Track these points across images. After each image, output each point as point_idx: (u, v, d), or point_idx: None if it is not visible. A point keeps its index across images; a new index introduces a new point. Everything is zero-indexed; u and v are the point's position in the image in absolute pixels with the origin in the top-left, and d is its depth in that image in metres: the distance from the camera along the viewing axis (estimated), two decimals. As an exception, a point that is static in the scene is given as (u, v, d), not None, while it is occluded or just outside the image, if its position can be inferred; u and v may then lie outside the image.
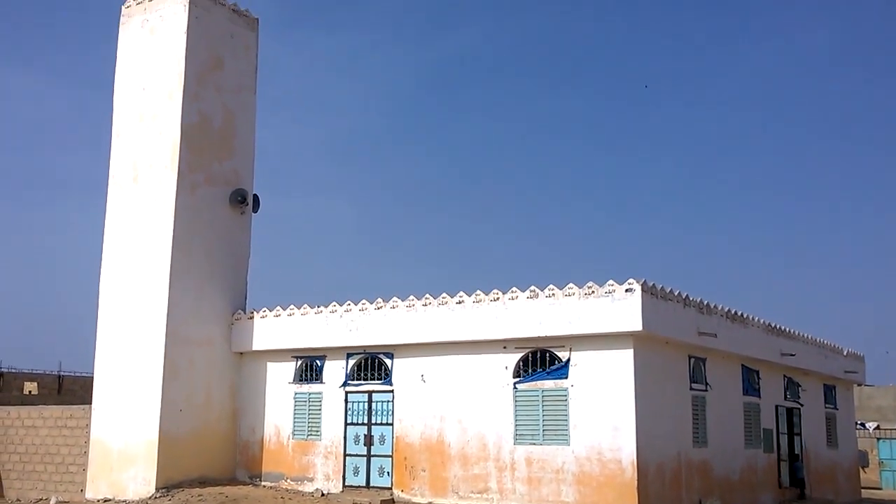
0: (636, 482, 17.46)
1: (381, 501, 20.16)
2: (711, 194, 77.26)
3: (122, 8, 24.88)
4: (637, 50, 79.04)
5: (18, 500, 23.74)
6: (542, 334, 18.70)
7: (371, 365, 21.55)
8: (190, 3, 23.46)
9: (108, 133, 24.37)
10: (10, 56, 72.43)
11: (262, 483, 22.48)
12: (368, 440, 21.18)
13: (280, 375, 23.00)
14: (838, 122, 76.41)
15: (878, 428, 40.72)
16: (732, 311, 21.51)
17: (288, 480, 22.22)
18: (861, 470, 32.82)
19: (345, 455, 21.48)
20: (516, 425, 19.05)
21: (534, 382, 18.99)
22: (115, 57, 24.72)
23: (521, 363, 19.26)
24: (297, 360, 22.78)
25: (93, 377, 23.25)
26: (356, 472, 21.23)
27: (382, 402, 21.18)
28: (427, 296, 20.41)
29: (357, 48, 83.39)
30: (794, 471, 24.99)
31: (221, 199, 23.70)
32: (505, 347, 19.43)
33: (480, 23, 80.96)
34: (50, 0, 75.25)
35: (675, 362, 19.80)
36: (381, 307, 21.11)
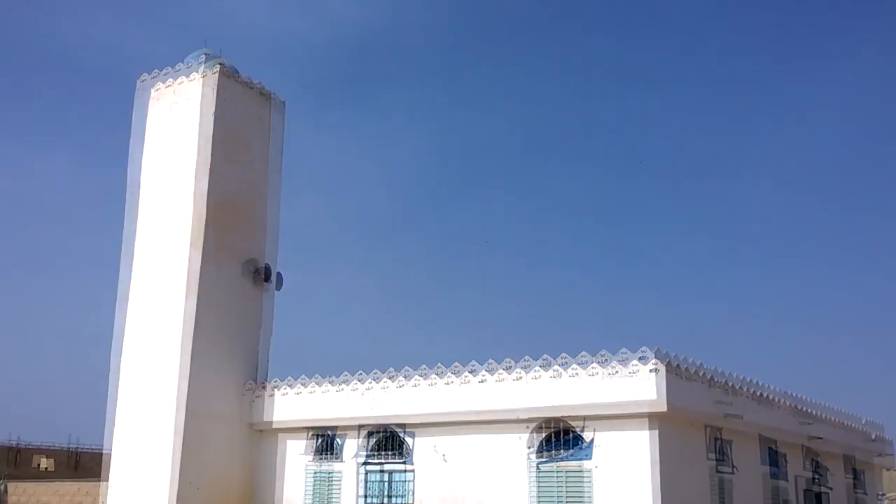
0: (661, 567, 17.02)
1: (400, 585, 19.75)
2: (729, 266, 77.17)
3: (152, 91, 25.38)
4: (654, 127, 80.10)
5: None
6: (565, 414, 18.53)
7: (390, 443, 21.30)
8: (218, 85, 23.95)
9: (123, 208, 24.63)
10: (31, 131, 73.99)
11: (279, 564, 22.07)
12: (387, 521, 20.85)
13: (297, 451, 22.71)
14: (856, 186, 76.44)
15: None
16: (759, 392, 21.27)
17: (304, 561, 21.81)
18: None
19: (363, 536, 21.12)
20: (538, 506, 18.70)
21: (557, 463, 18.71)
22: (142, 135, 25.09)
23: (543, 443, 19.00)
24: (316, 438, 22.51)
25: (107, 452, 23.07)
26: (374, 553, 20.85)
27: (403, 481, 20.85)
28: (449, 374, 20.27)
29: (381, 131, 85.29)
30: None
31: (245, 276, 23.81)
32: (527, 427, 19.20)
33: (500, 109, 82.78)
34: (73, 83, 77.25)
35: (700, 443, 19.50)
36: (402, 385, 20.96)
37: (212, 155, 23.50)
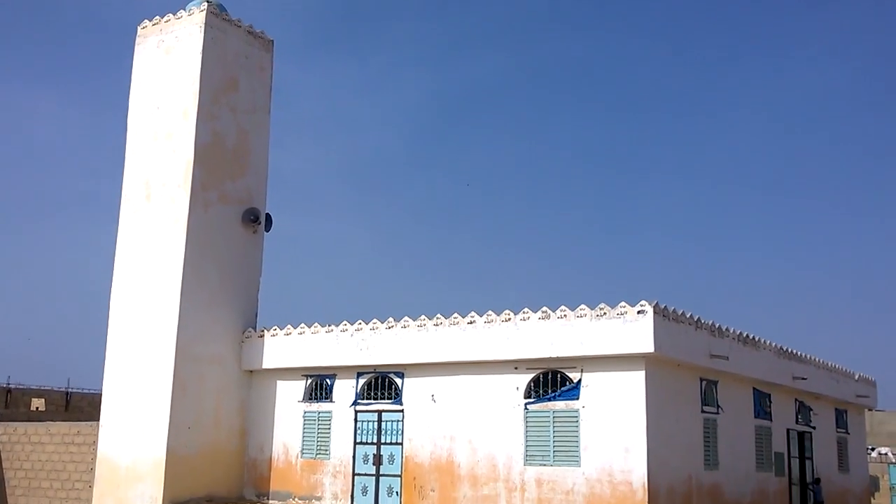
0: (647, 504, 17.41)
1: (390, 522, 20.17)
2: (721, 214, 77.32)
3: (138, 28, 25.11)
4: (652, 70, 79.47)
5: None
6: (554, 355, 18.75)
7: (381, 385, 21.58)
8: (206, 24, 23.68)
9: (123, 153, 24.54)
10: (24, 75, 73.06)
11: (270, 502, 22.45)
12: (377, 460, 21.17)
13: (290, 394, 23.02)
14: (850, 124, 76.21)
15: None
16: (744, 334, 21.53)
17: (296, 499, 22.19)
18: (871, 495, 32.61)
19: (353, 474, 21.47)
20: (527, 446, 19.06)
21: (545, 403, 19.03)
22: (130, 77, 24.94)
23: (532, 384, 19.29)
24: (307, 379, 22.81)
25: (101, 394, 23.31)
26: (365, 491, 21.21)
27: (392, 421, 21.18)
28: (438, 316, 20.48)
29: (376, 71, 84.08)
30: (814, 493, 24.86)
31: (234, 218, 23.84)
32: (516, 368, 19.47)
33: (500, 49, 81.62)
34: (66, 21, 75.94)
35: (687, 385, 19.81)
36: (392, 327, 21.15)
37: (199, 94, 23.31)
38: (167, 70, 24.13)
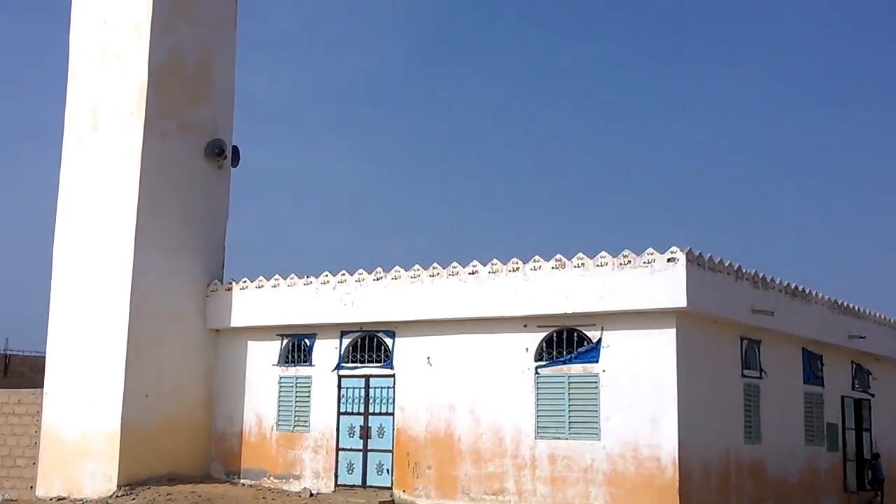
0: (678, 484, 17.55)
1: (380, 503, 20.34)
2: (760, 153, 76.75)
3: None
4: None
5: (-40, 498, 24.03)
6: (570, 310, 18.76)
7: (369, 345, 21.65)
8: (159, -81, 23.38)
9: (65, 75, 24.34)
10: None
11: (241, 481, 22.68)
12: (365, 432, 21.31)
13: (263, 356, 23.10)
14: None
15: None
16: (792, 286, 21.52)
17: (271, 478, 22.40)
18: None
19: (337, 449, 21.64)
20: (538, 417, 19.15)
21: (559, 367, 19.08)
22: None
23: (543, 344, 19.35)
24: (282, 339, 22.89)
25: (44, 357, 23.43)
26: (350, 468, 21.39)
27: (382, 388, 21.30)
28: (435, 265, 20.51)
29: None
30: (873, 469, 25.08)
31: (196, 151, 23.78)
32: (525, 326, 19.50)
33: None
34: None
35: (725, 344, 19.86)
36: (380, 278, 21.16)
37: (153, 4, 23.13)
38: (115, -24, 23.87)
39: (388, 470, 20.91)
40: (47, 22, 70.30)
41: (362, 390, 21.56)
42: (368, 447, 21.27)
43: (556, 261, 19.01)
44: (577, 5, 75.93)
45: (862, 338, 24.50)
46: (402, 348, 21.12)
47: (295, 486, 21.95)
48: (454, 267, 20.22)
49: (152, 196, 22.64)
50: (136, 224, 22.28)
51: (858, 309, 24.71)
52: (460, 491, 19.87)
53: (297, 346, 22.72)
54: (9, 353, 34.62)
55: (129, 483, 21.39)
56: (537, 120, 74.16)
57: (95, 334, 22.37)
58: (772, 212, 70.65)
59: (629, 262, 18.24)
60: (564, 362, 19.05)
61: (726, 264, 19.03)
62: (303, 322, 22.32)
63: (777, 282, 20.87)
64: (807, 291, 22.17)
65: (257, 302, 22.96)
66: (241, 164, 25.04)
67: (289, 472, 22.23)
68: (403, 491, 20.59)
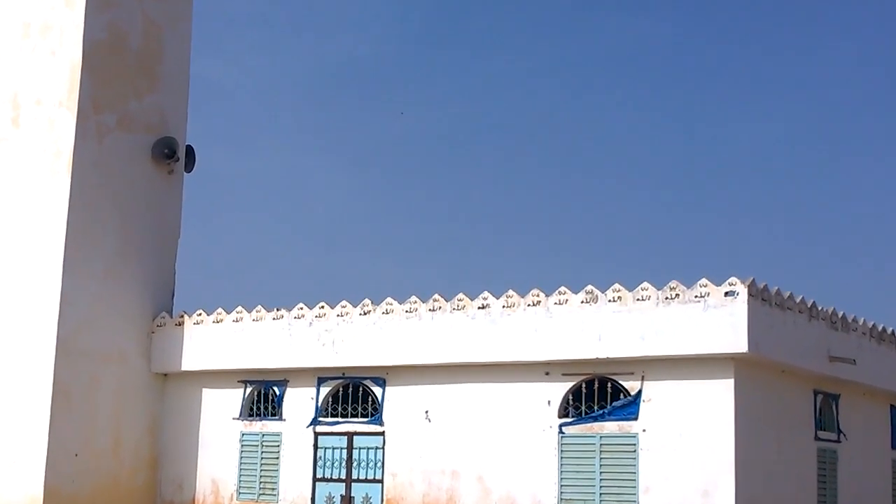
0: (736, 572, 17.53)
1: None
2: (844, 161, 76.92)
3: None
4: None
5: None
6: (603, 355, 18.67)
7: (353, 395, 21.65)
8: None
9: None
10: None
11: (193, 562, 22.67)
12: (347, 503, 21.07)
13: (221, 408, 23.13)
14: None
15: None
16: (879, 328, 21.51)
17: (230, 559, 22.48)
18: None
19: (313, 525, 21.68)
20: (562, 486, 19.05)
21: (588, 425, 19.04)
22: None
23: (570, 396, 19.35)
24: (245, 387, 22.90)
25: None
26: (329, 549, 21.48)
27: (368, 448, 21.24)
28: (436, 297, 20.44)
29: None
30: None
31: (141, 152, 23.84)
32: (548, 374, 19.46)
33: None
34: None
35: (795, 399, 19.87)
36: (368, 312, 21.09)
37: (90, -30, 23.36)
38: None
39: (375, 551, 20.96)
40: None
41: (344, 451, 21.51)
42: (351, 522, 21.30)
43: (587, 293, 18.86)
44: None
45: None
46: (394, 400, 21.06)
47: (259, 571, 22.01)
48: (460, 299, 20.09)
49: (86, 208, 22.61)
50: (66, 242, 22.22)
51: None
52: (465, 578, 19.92)
53: (264, 396, 22.72)
54: None
55: (54, 563, 21.34)
56: (562, 118, 74.34)
57: (13, 378, 22.29)
58: (855, 236, 70.58)
59: (677, 295, 18.09)
60: (595, 419, 18.99)
61: (798, 300, 18.87)
62: (271, 366, 22.28)
63: (860, 323, 20.77)
64: (897, 334, 22.14)
65: (215, 340, 22.92)
66: (196, 168, 25.14)
67: (251, 553, 22.26)
68: (394, 578, 20.65)
